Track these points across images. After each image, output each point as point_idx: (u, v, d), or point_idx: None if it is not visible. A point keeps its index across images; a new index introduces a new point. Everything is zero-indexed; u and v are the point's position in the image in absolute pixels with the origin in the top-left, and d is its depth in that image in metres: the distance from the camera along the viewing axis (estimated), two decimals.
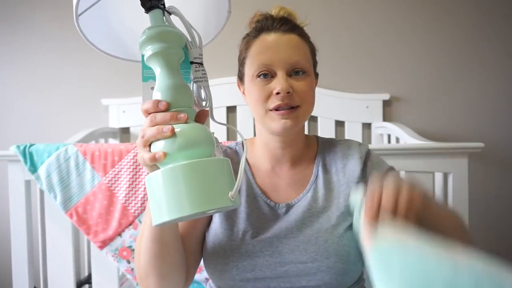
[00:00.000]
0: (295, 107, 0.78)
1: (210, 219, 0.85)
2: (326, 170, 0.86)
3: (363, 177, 0.84)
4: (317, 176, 0.86)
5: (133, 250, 1.21)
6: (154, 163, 0.58)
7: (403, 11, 1.93)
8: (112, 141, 1.95)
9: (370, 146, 1.18)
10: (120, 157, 1.20)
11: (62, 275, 1.24)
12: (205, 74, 0.66)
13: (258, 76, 0.79)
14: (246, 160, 0.89)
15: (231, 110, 1.97)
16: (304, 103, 0.79)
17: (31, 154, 1.21)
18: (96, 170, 1.21)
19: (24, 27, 2.00)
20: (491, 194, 1.91)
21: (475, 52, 1.91)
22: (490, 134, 1.90)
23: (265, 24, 0.82)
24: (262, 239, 0.79)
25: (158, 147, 0.57)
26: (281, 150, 0.85)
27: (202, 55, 0.66)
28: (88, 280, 1.45)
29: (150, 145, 0.59)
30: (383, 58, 1.93)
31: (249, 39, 0.84)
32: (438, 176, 1.27)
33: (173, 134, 0.56)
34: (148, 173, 0.59)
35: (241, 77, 0.87)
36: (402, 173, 1.22)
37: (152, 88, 0.63)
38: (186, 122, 0.58)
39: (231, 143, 0.94)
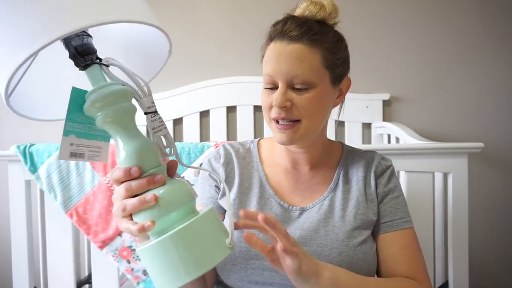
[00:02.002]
0: (295, 121, 0.76)
1: (222, 220, 0.84)
2: (347, 179, 0.84)
3: (376, 192, 0.83)
4: (336, 184, 0.84)
5: (133, 250, 1.21)
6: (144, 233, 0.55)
7: (403, 11, 1.93)
8: (112, 141, 1.95)
9: (370, 146, 1.19)
10: None
11: (62, 275, 1.24)
12: (162, 121, 0.60)
13: (265, 85, 0.78)
14: (261, 160, 0.88)
15: (231, 110, 1.97)
16: (305, 118, 0.76)
17: (31, 154, 1.22)
18: (96, 170, 1.21)
19: None
20: (491, 194, 1.91)
21: (475, 52, 1.91)
22: (490, 134, 1.90)
23: (275, 31, 0.79)
24: None
25: (144, 216, 0.54)
26: (299, 154, 0.84)
27: (154, 102, 0.60)
28: (88, 280, 1.45)
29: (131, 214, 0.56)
30: (383, 58, 1.93)
31: (265, 44, 0.81)
32: (438, 176, 1.27)
33: (157, 201, 0.54)
34: (135, 240, 0.57)
35: None
36: (402, 173, 1.22)
37: (71, 144, 0.58)
38: (163, 184, 0.55)
39: (247, 141, 0.93)
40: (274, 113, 0.76)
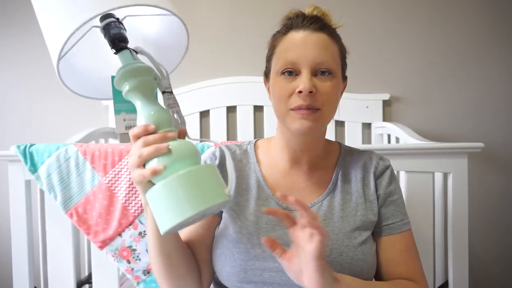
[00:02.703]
0: (316, 109, 0.76)
1: (218, 222, 0.84)
2: (346, 180, 0.84)
3: (376, 194, 0.83)
4: (335, 185, 0.84)
5: (133, 250, 1.21)
6: (153, 177, 0.63)
7: (402, 11, 1.93)
8: (112, 141, 1.95)
9: (370, 146, 1.19)
10: (120, 157, 1.21)
11: (62, 275, 1.24)
12: (175, 100, 0.72)
13: (283, 73, 0.77)
14: (258, 161, 0.87)
15: (231, 110, 1.97)
16: (325, 106, 0.76)
17: (31, 154, 1.22)
18: (96, 170, 1.21)
19: (24, 28, 1.99)
20: (490, 194, 1.91)
21: (475, 52, 1.91)
22: (490, 134, 1.90)
23: (295, 21, 0.80)
24: None
25: (156, 162, 0.63)
26: (300, 152, 0.83)
27: (170, 84, 0.73)
28: (88, 280, 1.45)
29: (143, 165, 0.64)
30: (383, 58, 1.94)
31: (278, 36, 0.82)
32: (438, 176, 1.27)
33: (169, 150, 0.63)
34: (142, 191, 0.65)
35: (267, 74, 0.85)
36: (402, 173, 1.22)
37: (124, 120, 0.71)
38: (173, 139, 0.66)
39: (243, 142, 0.92)
40: (298, 100, 0.75)
